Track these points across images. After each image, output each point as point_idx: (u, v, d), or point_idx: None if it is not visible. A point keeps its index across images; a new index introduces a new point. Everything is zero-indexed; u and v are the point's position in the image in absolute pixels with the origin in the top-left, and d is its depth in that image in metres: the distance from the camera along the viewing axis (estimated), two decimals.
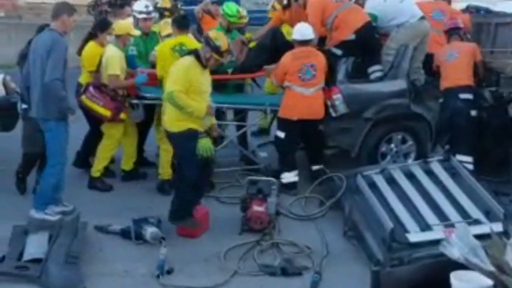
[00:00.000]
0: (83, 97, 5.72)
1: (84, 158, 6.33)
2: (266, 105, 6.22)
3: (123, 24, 6.10)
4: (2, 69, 6.98)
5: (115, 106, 5.72)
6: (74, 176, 6.09)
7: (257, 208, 5.02)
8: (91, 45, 6.01)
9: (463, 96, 6.03)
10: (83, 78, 6.09)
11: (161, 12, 7.31)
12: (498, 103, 6.15)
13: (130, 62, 6.12)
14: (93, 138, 6.13)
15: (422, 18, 6.41)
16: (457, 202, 4.87)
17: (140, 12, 6.47)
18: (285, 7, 6.70)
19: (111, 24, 6.09)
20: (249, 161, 6.60)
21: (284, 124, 5.92)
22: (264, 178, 5.54)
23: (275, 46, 6.30)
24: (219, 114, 6.22)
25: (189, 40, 5.94)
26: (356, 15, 6.37)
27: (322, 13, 6.29)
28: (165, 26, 6.55)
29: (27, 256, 4.28)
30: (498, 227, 4.39)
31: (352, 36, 6.19)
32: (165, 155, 5.89)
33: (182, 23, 6.01)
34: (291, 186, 5.89)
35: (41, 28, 5.42)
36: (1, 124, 6.30)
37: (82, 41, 6.15)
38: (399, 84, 6.21)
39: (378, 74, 6.33)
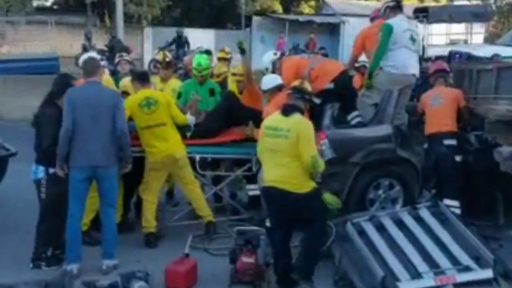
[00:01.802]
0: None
1: None
2: (251, 154, 6.26)
3: (107, 80, 6.10)
4: None
5: None
6: None
7: (246, 259, 4.96)
8: None
9: (447, 142, 6.11)
10: None
11: (155, 65, 7.52)
12: (484, 147, 6.21)
13: None
14: None
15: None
16: (447, 248, 4.85)
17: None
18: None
19: (74, 79, 5.84)
20: (237, 211, 6.59)
21: None
22: (252, 228, 5.51)
23: (231, 110, 6.38)
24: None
25: (153, 92, 6.01)
26: (332, 65, 6.69)
27: (296, 72, 6.45)
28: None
29: None
30: (488, 273, 4.37)
31: (331, 85, 6.33)
32: (150, 207, 5.85)
33: (144, 77, 6.10)
34: None
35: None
36: None
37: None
38: (385, 129, 6.31)
39: (358, 119, 6.49)
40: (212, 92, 6.75)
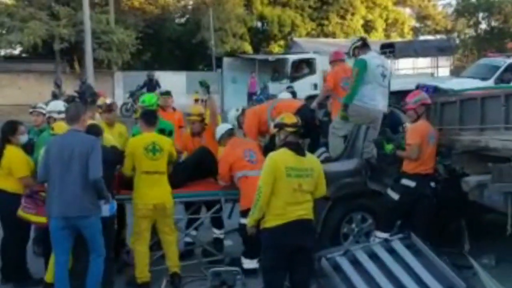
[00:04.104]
0: (19, 212, 5.58)
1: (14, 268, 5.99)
2: (220, 195, 6.31)
3: (63, 125, 5.80)
4: None
5: None
6: None
7: None
8: (12, 149, 5.84)
9: (432, 184, 6.09)
10: (3, 184, 5.84)
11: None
12: (451, 176, 6.32)
13: None
14: (10, 244, 5.93)
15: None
16: (421, 279, 4.91)
17: (60, 112, 6.38)
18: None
19: (20, 124, 5.98)
20: (210, 253, 6.59)
21: (246, 212, 5.86)
22: (227, 268, 5.48)
23: (201, 164, 6.44)
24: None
25: (159, 138, 5.95)
26: (291, 101, 7.15)
27: (259, 120, 6.82)
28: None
29: None
30: None
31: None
32: (143, 257, 5.77)
33: (151, 118, 6.01)
34: (251, 272, 5.84)
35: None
36: None
37: None
38: (355, 163, 6.40)
39: (326, 155, 6.67)
40: (162, 132, 6.53)
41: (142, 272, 5.73)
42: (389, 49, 19.76)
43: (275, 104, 6.82)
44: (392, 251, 5.36)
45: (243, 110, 7.35)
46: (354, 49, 7.02)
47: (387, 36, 33.79)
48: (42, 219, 5.49)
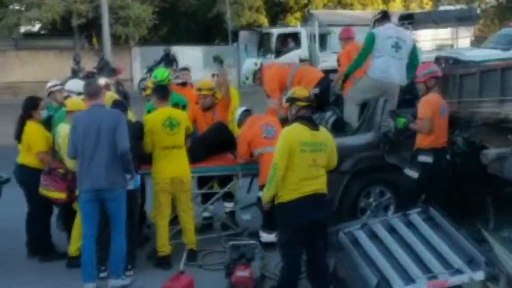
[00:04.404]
0: (40, 189, 5.73)
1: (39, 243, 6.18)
2: (237, 170, 6.35)
3: (76, 101, 5.96)
4: None
5: (67, 186, 5.70)
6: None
7: (241, 273, 5.01)
8: (32, 125, 5.98)
9: (447, 157, 6.04)
10: (25, 159, 6.03)
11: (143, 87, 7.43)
12: (471, 149, 6.27)
13: None
14: (34, 219, 6.11)
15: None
16: (439, 252, 4.91)
17: (79, 93, 6.25)
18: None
19: (40, 100, 6.15)
20: (228, 226, 6.69)
21: None
22: (246, 241, 5.56)
23: (219, 141, 6.47)
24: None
25: (175, 112, 6.02)
26: (313, 71, 7.06)
27: (280, 81, 6.75)
28: None
29: None
30: (480, 275, 4.43)
31: (316, 90, 6.49)
32: (164, 231, 5.84)
33: (164, 93, 6.07)
34: (269, 246, 5.90)
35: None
36: None
37: (17, 125, 6.04)
38: (372, 137, 6.38)
39: (334, 117, 6.79)
40: (176, 106, 6.60)
41: (163, 245, 5.82)
42: (407, 20, 19.43)
43: (294, 72, 6.80)
44: (410, 225, 5.36)
45: (261, 65, 7.26)
46: (374, 22, 7.05)
47: (406, 7, 33.19)
48: (61, 195, 5.63)
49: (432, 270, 4.69)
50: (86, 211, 5.22)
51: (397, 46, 6.65)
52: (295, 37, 21.95)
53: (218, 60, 6.89)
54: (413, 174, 5.91)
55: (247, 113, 6.57)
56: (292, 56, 20.98)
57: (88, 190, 5.14)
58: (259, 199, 6.11)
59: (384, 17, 7.02)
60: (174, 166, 5.78)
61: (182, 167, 5.86)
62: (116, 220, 5.25)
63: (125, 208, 5.28)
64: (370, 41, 6.67)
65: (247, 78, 6.97)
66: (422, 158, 5.88)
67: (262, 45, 23.21)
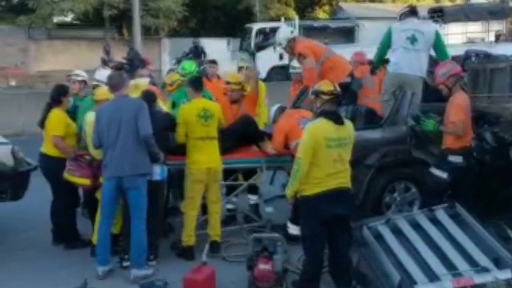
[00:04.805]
0: (65, 174, 5.83)
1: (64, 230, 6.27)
2: (262, 163, 6.33)
3: (104, 90, 5.96)
4: (11, 139, 7.15)
5: (92, 172, 5.76)
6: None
7: (263, 266, 4.98)
8: (55, 111, 6.06)
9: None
10: (48, 148, 6.13)
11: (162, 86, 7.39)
12: (500, 145, 6.14)
13: None
14: (59, 207, 6.20)
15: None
16: (465, 250, 4.82)
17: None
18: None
19: (68, 88, 6.35)
20: (251, 219, 6.68)
21: None
22: (269, 234, 5.54)
23: (245, 133, 6.42)
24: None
25: (209, 103, 6.04)
26: (345, 60, 7.00)
27: (314, 53, 6.76)
28: None
29: None
30: (506, 274, 4.34)
31: (348, 79, 6.49)
32: (193, 221, 5.86)
33: (198, 84, 6.10)
34: (294, 239, 5.86)
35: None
36: (11, 193, 6.45)
37: (43, 111, 6.17)
38: (399, 130, 6.28)
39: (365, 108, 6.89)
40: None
41: (189, 236, 5.85)
42: (437, 14, 19.12)
43: (329, 56, 6.83)
44: (435, 221, 5.27)
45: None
46: (400, 16, 7.03)
47: (437, 0, 32.66)
48: (86, 181, 5.73)
49: (457, 267, 4.61)
50: (107, 198, 5.34)
51: (413, 38, 6.64)
52: (275, 32, 21.44)
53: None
54: (442, 174, 5.76)
55: (282, 108, 6.59)
56: (272, 51, 20.04)
57: (111, 177, 5.26)
58: None
59: (411, 12, 6.96)
60: (208, 157, 5.82)
61: (216, 158, 5.90)
62: (136, 210, 5.32)
63: (146, 199, 5.33)
64: (386, 35, 6.86)
65: (280, 44, 6.99)
66: (452, 158, 5.71)
67: (244, 40, 22.74)
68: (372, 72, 7.33)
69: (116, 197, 5.36)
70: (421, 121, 5.97)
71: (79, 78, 7.03)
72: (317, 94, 4.76)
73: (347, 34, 21.60)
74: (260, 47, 20.96)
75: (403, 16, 6.98)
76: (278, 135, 6.17)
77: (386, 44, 6.93)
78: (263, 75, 17.64)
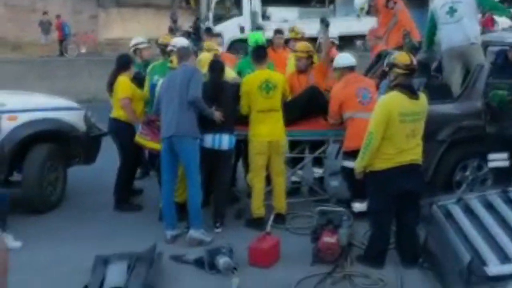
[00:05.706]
0: (136, 137, 6.06)
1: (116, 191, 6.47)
2: (329, 135, 6.25)
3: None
4: (83, 105, 7.38)
5: None
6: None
7: (327, 239, 4.97)
8: (122, 78, 6.30)
9: None
10: (117, 113, 6.34)
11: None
12: None
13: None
14: (124, 171, 6.43)
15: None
16: None
17: (142, 42, 7.29)
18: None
19: (131, 58, 6.65)
20: (316, 192, 6.65)
21: (350, 154, 5.67)
22: (334, 208, 5.51)
23: (311, 103, 6.29)
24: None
25: (272, 74, 6.00)
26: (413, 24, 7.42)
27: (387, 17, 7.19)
28: None
29: (107, 285, 4.41)
30: None
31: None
32: (260, 193, 5.89)
33: (261, 55, 6.05)
34: (360, 215, 5.79)
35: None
36: (84, 157, 6.70)
37: (110, 76, 6.52)
38: (474, 105, 6.03)
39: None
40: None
41: (259, 207, 5.87)
42: None
43: (400, 17, 7.17)
44: (509, 202, 5.08)
45: None
46: None
47: None
48: (155, 145, 5.89)
49: None
50: (164, 159, 5.53)
51: (451, 10, 6.37)
52: (237, 3, 20.49)
53: (325, 23, 6.64)
54: None
55: (352, 68, 6.12)
56: (233, 23, 19.81)
57: (164, 137, 5.45)
58: (343, 168, 5.99)
59: None
60: (271, 129, 5.77)
61: (279, 130, 5.85)
62: (187, 172, 5.49)
63: (197, 161, 5.43)
64: (430, 16, 6.72)
65: (362, 9, 6.94)
66: None
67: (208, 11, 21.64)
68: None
69: (170, 160, 5.50)
70: (490, 92, 5.71)
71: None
72: (391, 66, 4.63)
73: (421, 3, 20.82)
74: (219, 18, 20.23)
75: None
76: (334, 103, 5.97)
77: (431, 28, 6.70)
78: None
